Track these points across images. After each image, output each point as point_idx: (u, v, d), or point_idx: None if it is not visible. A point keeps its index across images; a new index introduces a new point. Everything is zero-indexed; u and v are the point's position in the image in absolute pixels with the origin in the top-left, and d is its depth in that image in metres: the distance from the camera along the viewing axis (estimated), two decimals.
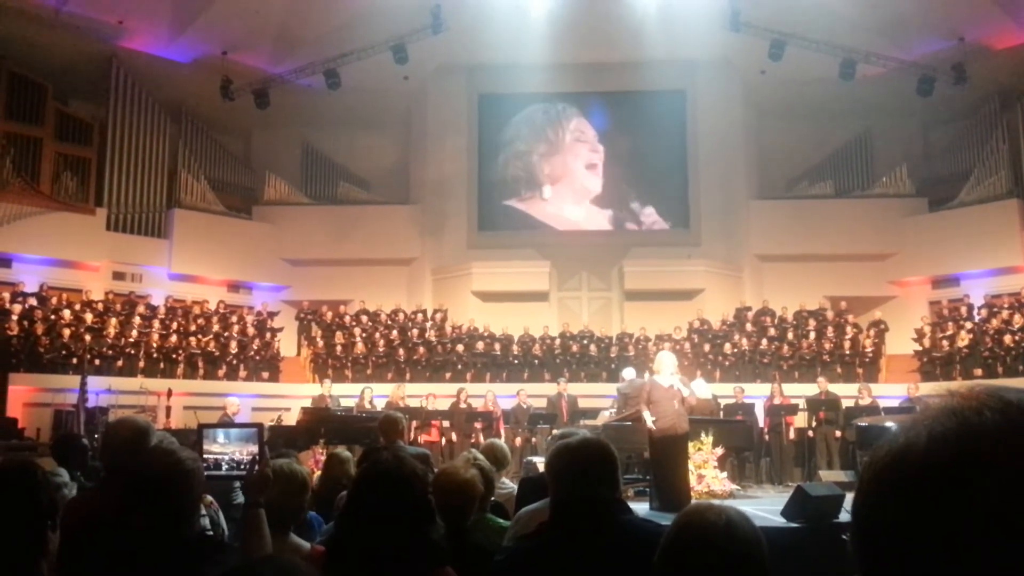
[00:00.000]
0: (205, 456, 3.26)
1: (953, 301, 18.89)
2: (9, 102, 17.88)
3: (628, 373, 12.49)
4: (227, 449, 3.46)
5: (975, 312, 17.70)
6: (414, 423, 13.58)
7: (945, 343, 16.91)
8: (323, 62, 18.86)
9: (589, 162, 20.83)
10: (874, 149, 21.22)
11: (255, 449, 3.26)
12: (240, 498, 3.74)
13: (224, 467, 3.47)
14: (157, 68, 19.06)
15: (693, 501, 7.92)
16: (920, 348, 17.27)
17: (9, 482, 2.00)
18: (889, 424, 11.07)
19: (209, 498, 3.41)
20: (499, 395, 14.82)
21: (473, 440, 13.27)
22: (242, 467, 3.24)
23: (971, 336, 16.58)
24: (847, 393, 14.70)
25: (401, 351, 17.37)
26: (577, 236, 20.41)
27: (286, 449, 5.19)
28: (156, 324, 16.76)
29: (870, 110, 20.41)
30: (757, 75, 19.96)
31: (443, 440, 14.01)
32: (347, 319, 18.62)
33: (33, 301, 16.30)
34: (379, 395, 14.54)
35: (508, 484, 5.38)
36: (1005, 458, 0.59)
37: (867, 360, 17.13)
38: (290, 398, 15.92)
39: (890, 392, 15.13)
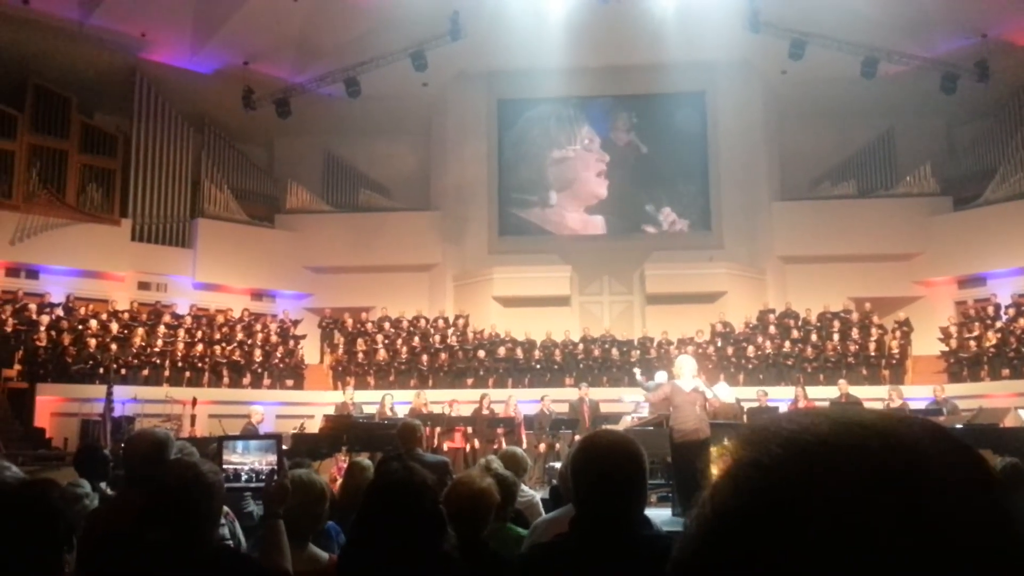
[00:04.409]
0: (224, 467, 3.28)
1: (979, 301, 18.66)
2: (35, 115, 18.13)
3: (661, 376, 12.17)
4: (246, 460, 3.48)
5: (1002, 312, 17.47)
6: (437, 430, 13.59)
7: (972, 343, 16.71)
8: (343, 71, 18.98)
9: (607, 166, 20.81)
10: (897, 148, 21.01)
11: (274, 460, 3.28)
12: (251, 507, 3.77)
13: (243, 477, 3.49)
14: (180, 79, 19.26)
15: None
16: (947, 349, 17.07)
17: (22, 506, 2.01)
18: None
19: (225, 508, 3.43)
20: (521, 400, 14.77)
21: (496, 446, 13.21)
22: (260, 477, 3.26)
23: (998, 336, 16.36)
24: (875, 395, 14.53)
25: (423, 357, 17.40)
26: (598, 240, 20.39)
27: (301, 459, 5.20)
28: (181, 333, 16.91)
29: (893, 109, 20.21)
30: (778, 75, 19.86)
31: (467, 446, 13.99)
32: (369, 326, 18.68)
33: (60, 312, 16.52)
34: (401, 402, 14.55)
35: (527, 492, 5.34)
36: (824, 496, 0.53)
37: (893, 362, 16.95)
38: (314, 405, 16.00)
39: (916, 394, 14.94)
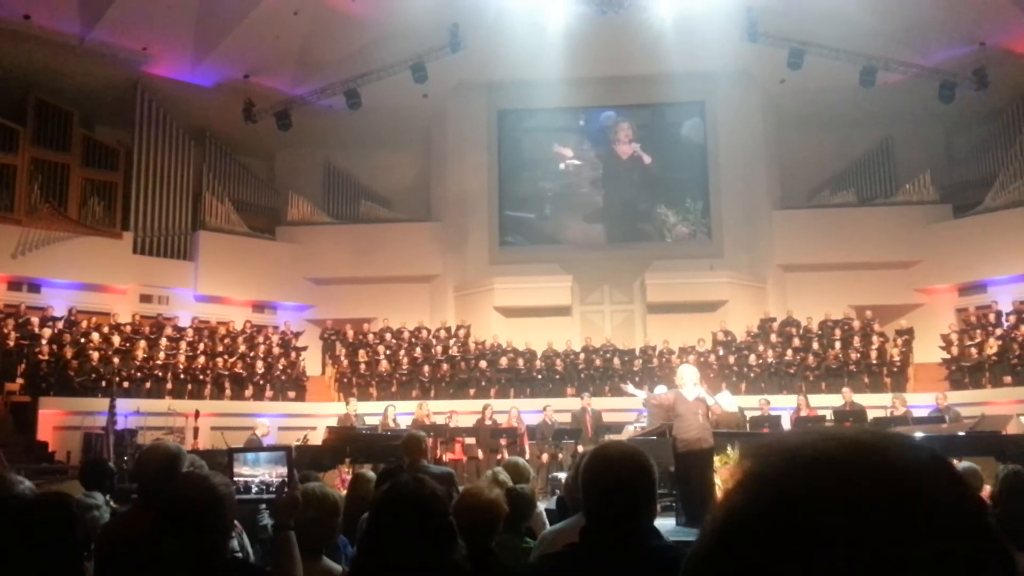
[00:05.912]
0: (235, 479, 3.29)
1: (980, 308, 18.67)
2: (37, 129, 18.18)
3: (660, 390, 12.19)
4: (256, 472, 3.50)
5: (1003, 319, 17.49)
6: (439, 441, 13.57)
7: (973, 351, 16.72)
8: (343, 83, 19.06)
9: (607, 175, 20.88)
10: (896, 156, 21.07)
11: (284, 471, 3.30)
12: (265, 520, 3.78)
13: (254, 490, 3.51)
14: (181, 93, 19.33)
15: None
16: (948, 356, 17.08)
17: (44, 516, 2.04)
18: (919, 434, 10.93)
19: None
20: (523, 411, 14.78)
21: (499, 457, 13.20)
22: (271, 489, 3.28)
23: (999, 343, 16.38)
24: (876, 403, 14.54)
25: (425, 368, 17.41)
26: (598, 250, 20.42)
27: (308, 472, 5.21)
28: (183, 346, 16.92)
29: (892, 117, 20.28)
30: (776, 85, 19.94)
31: (465, 457, 13.96)
32: (370, 337, 18.70)
33: (62, 325, 16.53)
34: (403, 413, 14.56)
35: None
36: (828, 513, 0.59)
37: (895, 369, 16.96)
38: (316, 417, 15.99)
39: (918, 401, 14.96)
